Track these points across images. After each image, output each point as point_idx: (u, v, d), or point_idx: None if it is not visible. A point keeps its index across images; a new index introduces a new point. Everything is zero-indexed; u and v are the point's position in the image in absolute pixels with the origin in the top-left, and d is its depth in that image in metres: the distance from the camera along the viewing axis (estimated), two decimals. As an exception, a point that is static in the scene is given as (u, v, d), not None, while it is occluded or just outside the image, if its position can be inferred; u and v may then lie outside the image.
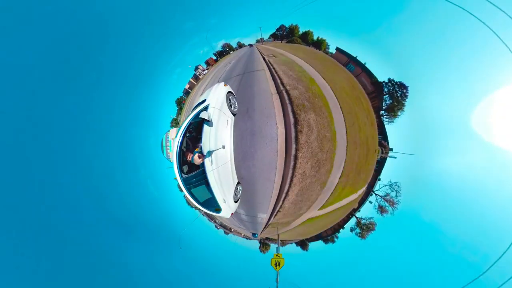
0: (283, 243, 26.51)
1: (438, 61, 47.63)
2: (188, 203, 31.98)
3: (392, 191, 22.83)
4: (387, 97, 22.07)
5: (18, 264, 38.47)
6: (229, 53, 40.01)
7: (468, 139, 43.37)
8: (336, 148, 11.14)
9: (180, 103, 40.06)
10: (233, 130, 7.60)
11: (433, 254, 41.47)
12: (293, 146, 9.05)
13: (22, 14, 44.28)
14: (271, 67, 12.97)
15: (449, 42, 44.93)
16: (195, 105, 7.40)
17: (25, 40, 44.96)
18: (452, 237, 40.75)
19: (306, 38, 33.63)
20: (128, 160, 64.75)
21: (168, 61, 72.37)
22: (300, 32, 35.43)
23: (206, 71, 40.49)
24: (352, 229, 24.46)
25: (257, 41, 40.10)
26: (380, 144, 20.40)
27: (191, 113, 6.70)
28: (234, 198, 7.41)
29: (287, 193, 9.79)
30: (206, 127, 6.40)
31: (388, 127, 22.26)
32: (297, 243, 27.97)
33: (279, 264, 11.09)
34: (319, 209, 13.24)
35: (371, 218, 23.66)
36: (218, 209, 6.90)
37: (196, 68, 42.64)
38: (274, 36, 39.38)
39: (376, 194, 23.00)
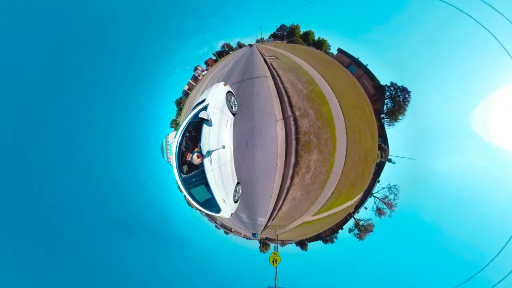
0: (283, 243, 26.57)
1: (438, 62, 47.66)
2: (188, 203, 32.00)
3: (391, 193, 22.98)
4: (389, 101, 22.04)
5: (18, 264, 38.51)
6: (229, 53, 39.95)
7: (468, 139, 43.39)
8: (331, 173, 10.88)
9: (179, 104, 39.98)
10: (232, 130, 7.59)
11: (432, 254, 41.54)
12: (287, 182, 9.07)
13: (22, 14, 44.29)
14: (275, 74, 11.32)
15: (449, 42, 44.98)
16: (194, 105, 7.39)
17: (25, 40, 44.98)
18: (451, 237, 40.79)
19: (307, 38, 33.34)
20: (128, 160, 64.66)
21: (168, 61, 72.28)
22: (301, 32, 35.16)
23: (205, 71, 40.36)
24: (350, 230, 24.66)
25: (257, 41, 40.00)
26: (380, 147, 20.37)
27: (190, 112, 6.70)
28: (233, 198, 7.40)
29: (280, 208, 10.24)
30: (205, 127, 6.38)
31: (388, 127, 22.35)
32: (297, 243, 28.04)
33: (275, 261, 12.32)
34: (312, 215, 13.38)
35: (369, 219, 23.82)
36: (217, 209, 6.88)
37: (195, 68, 42.42)
38: (274, 36, 39.23)
39: (374, 197, 23.10)
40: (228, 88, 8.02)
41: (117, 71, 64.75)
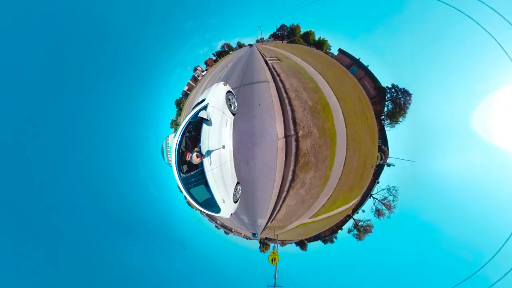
0: (283, 243, 26.60)
1: (438, 62, 47.68)
2: (189, 204, 31.98)
3: (390, 195, 22.96)
4: (390, 103, 21.94)
5: (18, 264, 38.50)
6: (229, 53, 39.88)
7: (468, 139, 43.39)
8: (326, 185, 11.03)
9: (179, 104, 39.92)
10: (232, 129, 7.58)
11: (431, 253, 41.63)
12: (284, 193, 9.36)
13: (22, 14, 44.30)
14: (277, 79, 10.52)
15: (448, 43, 45.00)
16: (194, 104, 7.39)
17: (25, 40, 44.99)
18: (450, 237, 40.85)
19: (307, 38, 33.11)
20: (128, 160, 64.61)
21: (168, 61, 72.25)
22: (302, 32, 34.92)
23: (205, 72, 40.23)
24: (349, 231, 24.73)
25: (257, 41, 39.90)
26: (380, 149, 20.32)
27: (190, 112, 6.69)
28: (233, 198, 7.37)
29: (277, 212, 10.56)
30: (205, 126, 6.37)
31: (389, 129, 22.30)
32: (296, 243, 28.06)
33: (274, 260, 12.97)
34: (309, 218, 13.53)
35: (368, 220, 23.88)
36: (217, 209, 6.86)
37: (195, 69, 42.24)
38: (274, 36, 39.07)
39: (374, 198, 23.17)
40: (228, 87, 8.01)
41: (117, 71, 64.74)
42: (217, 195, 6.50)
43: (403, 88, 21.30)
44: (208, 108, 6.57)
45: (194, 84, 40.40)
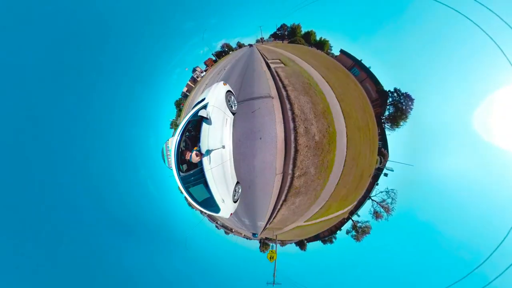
0: (283, 243, 26.62)
1: (438, 62, 47.73)
2: (189, 204, 31.98)
3: (389, 197, 23.07)
4: (391, 107, 21.89)
5: (18, 264, 38.50)
6: (229, 53, 39.81)
7: (468, 139, 43.38)
8: (316, 200, 11.18)
9: (179, 105, 39.86)
10: (232, 129, 7.58)
11: (430, 254, 41.79)
12: (278, 205, 9.94)
13: (22, 14, 44.31)
14: (283, 94, 9.08)
15: (448, 43, 45.07)
16: (194, 104, 7.39)
17: (25, 40, 45.00)
18: (450, 237, 40.95)
19: (308, 38, 32.87)
20: (128, 160, 64.62)
21: (168, 61, 72.23)
22: (302, 32, 34.67)
23: (204, 73, 40.04)
24: (348, 232, 24.93)
25: (257, 41, 39.80)
26: (380, 152, 20.28)
27: (190, 111, 6.70)
28: (233, 198, 7.35)
29: (274, 217, 10.95)
30: (205, 125, 6.37)
31: (389, 132, 22.27)
32: (296, 243, 28.11)
33: (272, 257, 13.96)
34: (304, 221, 13.74)
35: (367, 221, 23.99)
36: (217, 209, 6.84)
37: (194, 70, 42.04)
38: (275, 36, 38.90)
39: (372, 200, 23.22)
40: (227, 87, 8.01)
41: (117, 71, 64.76)
42: (217, 195, 6.48)
43: (406, 93, 21.19)
44: (208, 107, 6.57)
45: (193, 85, 40.28)
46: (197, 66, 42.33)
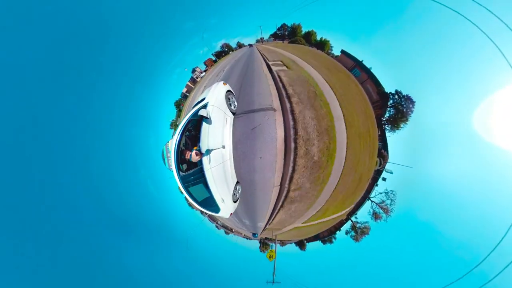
0: (283, 243, 26.64)
1: (438, 63, 47.76)
2: (189, 204, 31.98)
3: (388, 199, 23.10)
4: (392, 109, 21.81)
5: (18, 264, 38.50)
6: (228, 53, 39.73)
7: (469, 139, 43.39)
8: (312, 205, 11.31)
9: (179, 105, 39.78)
10: (232, 128, 7.58)
11: (429, 254, 41.85)
12: (276, 211, 10.39)
13: (22, 14, 44.33)
14: (287, 108, 8.39)
15: (448, 44, 45.08)
16: (194, 104, 7.39)
17: (25, 40, 45.03)
18: (449, 237, 41.00)
19: (309, 38, 32.67)
20: (128, 160, 64.68)
21: (168, 61, 72.29)
22: (303, 32, 34.45)
23: (204, 73, 39.86)
24: (347, 232, 25.00)
25: (257, 41, 39.67)
26: (379, 154, 20.24)
27: (190, 111, 6.70)
28: (233, 198, 7.34)
29: (273, 219, 11.28)
30: (205, 125, 6.36)
31: (389, 135, 22.26)
32: (296, 243, 28.14)
33: (271, 256, 14.78)
34: (302, 223, 13.87)
35: (366, 222, 24.06)
36: (216, 209, 6.82)
37: (194, 70, 41.85)
38: (275, 36, 38.75)
39: (371, 201, 23.27)
40: (227, 87, 8.01)
41: (117, 71, 64.81)
42: (216, 194, 6.47)
43: (407, 95, 21.10)
44: (208, 107, 6.56)
45: (192, 86, 40.15)
46: (196, 67, 42.19)
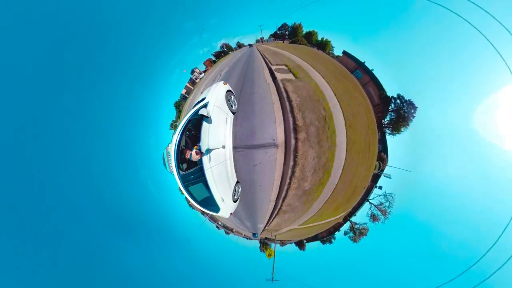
0: (283, 243, 26.69)
1: (438, 63, 47.78)
2: (189, 204, 31.99)
3: (386, 201, 23.21)
4: (393, 113, 21.70)
5: (18, 264, 38.52)
6: (228, 53, 39.61)
7: (469, 140, 43.42)
8: (306, 212, 11.53)
9: (178, 106, 39.62)
10: (232, 128, 7.58)
11: (429, 254, 41.93)
12: (272, 217, 10.99)
13: (22, 14, 44.34)
14: (291, 150, 7.79)
15: (448, 45, 45.15)
16: (194, 103, 7.40)
17: (25, 40, 45.04)
18: (449, 237, 41.06)
19: (310, 38, 32.31)
20: (128, 160, 64.61)
21: (168, 61, 72.18)
22: (304, 32, 34.02)
23: (203, 74, 39.66)
24: (345, 233, 25.16)
25: (257, 41, 39.42)
26: (379, 157, 20.19)
27: (190, 110, 6.71)
28: (233, 197, 7.35)
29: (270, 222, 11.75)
30: (205, 124, 6.37)
31: (390, 138, 22.25)
32: (296, 243, 28.23)
33: (270, 254, 15.52)
34: (298, 225, 14.15)
35: (364, 223, 24.19)
36: (216, 208, 6.83)
37: (193, 71, 41.48)
38: (275, 36, 38.44)
39: (370, 203, 23.38)
40: (227, 87, 8.03)
41: (117, 71, 64.76)
42: (216, 194, 6.47)
43: (409, 100, 20.96)
44: (209, 106, 6.57)
45: (191, 87, 39.89)
46: (195, 67, 41.87)
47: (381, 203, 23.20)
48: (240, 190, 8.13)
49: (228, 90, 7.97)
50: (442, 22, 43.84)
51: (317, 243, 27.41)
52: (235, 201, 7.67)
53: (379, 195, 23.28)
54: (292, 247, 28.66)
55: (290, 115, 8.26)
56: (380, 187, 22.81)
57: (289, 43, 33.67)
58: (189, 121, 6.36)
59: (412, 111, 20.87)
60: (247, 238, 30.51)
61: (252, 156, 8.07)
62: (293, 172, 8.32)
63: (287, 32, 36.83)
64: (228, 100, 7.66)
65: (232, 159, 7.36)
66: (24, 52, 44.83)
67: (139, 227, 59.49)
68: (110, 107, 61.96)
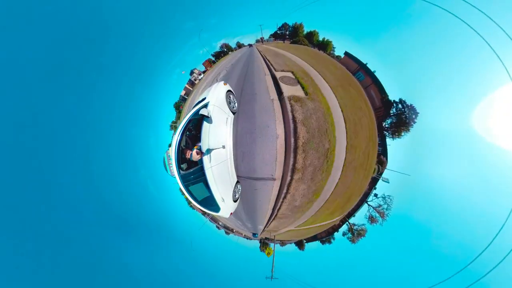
0: (282, 243, 26.79)
1: (438, 64, 47.81)
2: (190, 204, 32.03)
3: (385, 203, 23.29)
4: (394, 117, 21.69)
5: (18, 264, 38.54)
6: (228, 53, 39.49)
7: (470, 140, 43.38)
8: (301, 216, 11.74)
9: (178, 107, 39.49)
10: (232, 128, 7.61)
11: (428, 254, 41.99)
12: (270, 220, 11.53)
13: (22, 14, 44.37)
14: (286, 184, 8.63)
15: (447, 46, 45.17)
16: (195, 103, 7.42)
17: (25, 40, 45.07)
18: (449, 237, 41.10)
19: (311, 39, 32.05)
20: (128, 160, 64.57)
21: (168, 61, 72.11)
22: (305, 32, 33.79)
23: (202, 75, 39.25)
24: (344, 234, 25.32)
25: (257, 41, 39.14)
26: (379, 160, 20.16)
27: (191, 110, 6.72)
28: (233, 197, 7.37)
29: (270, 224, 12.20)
30: (205, 124, 6.39)
31: (390, 142, 22.24)
32: (295, 243, 28.34)
33: (269, 253, 16.22)
34: (295, 227, 14.32)
35: (363, 224, 24.34)
36: (216, 208, 6.85)
37: (192, 72, 41.07)
38: (275, 35, 38.18)
39: (368, 205, 23.46)
40: (228, 87, 8.05)
41: (117, 71, 64.72)
42: (216, 194, 6.49)
43: (411, 105, 20.93)
44: (209, 106, 6.58)
45: (191, 88, 39.63)
46: (195, 68, 41.43)
47: (380, 205, 23.38)
48: (240, 190, 8.15)
49: (228, 90, 7.99)
50: (440, 23, 43.90)
51: (317, 243, 27.54)
52: (235, 201, 7.68)
53: (378, 197, 23.43)
54: (292, 247, 28.84)
55: (292, 155, 8.17)
56: (376, 195, 22.94)
57: (290, 43, 33.33)
58: (189, 121, 6.37)
59: (414, 116, 20.86)
60: (247, 238, 30.56)
61: (253, 185, 9.18)
62: (284, 197, 9.41)
63: (287, 32, 36.55)
64: (228, 100, 7.68)
65: (232, 159, 7.37)
66: (24, 52, 44.88)
67: (139, 227, 59.48)
68: (110, 107, 61.94)
